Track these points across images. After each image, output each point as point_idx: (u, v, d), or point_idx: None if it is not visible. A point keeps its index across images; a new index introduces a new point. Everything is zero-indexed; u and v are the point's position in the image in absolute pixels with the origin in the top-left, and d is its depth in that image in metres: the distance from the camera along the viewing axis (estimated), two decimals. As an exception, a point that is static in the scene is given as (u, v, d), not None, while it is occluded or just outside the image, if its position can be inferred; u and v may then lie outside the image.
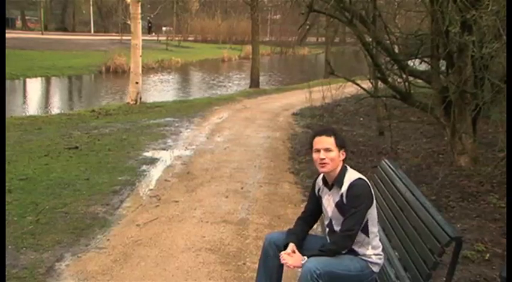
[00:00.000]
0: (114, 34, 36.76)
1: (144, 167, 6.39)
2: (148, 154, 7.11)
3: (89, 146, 7.43)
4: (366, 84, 7.27)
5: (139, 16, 12.99)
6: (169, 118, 10.40)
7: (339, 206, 2.66)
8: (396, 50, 6.82)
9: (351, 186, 2.62)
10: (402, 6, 7.64)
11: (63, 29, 41.23)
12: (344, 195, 2.63)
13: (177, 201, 5.12)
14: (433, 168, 5.97)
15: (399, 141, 7.48)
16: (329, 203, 2.72)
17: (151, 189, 5.54)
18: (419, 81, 6.96)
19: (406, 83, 6.38)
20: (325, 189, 2.76)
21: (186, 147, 7.67)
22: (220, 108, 12.33)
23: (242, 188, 5.61)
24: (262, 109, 12.37)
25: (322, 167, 2.65)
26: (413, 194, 3.10)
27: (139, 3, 12.90)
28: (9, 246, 3.85)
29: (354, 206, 2.59)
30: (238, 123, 10.05)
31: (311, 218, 2.91)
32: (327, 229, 2.80)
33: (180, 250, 3.94)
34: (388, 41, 6.37)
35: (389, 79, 6.60)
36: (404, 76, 6.45)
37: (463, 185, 5.29)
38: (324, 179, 2.77)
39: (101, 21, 44.35)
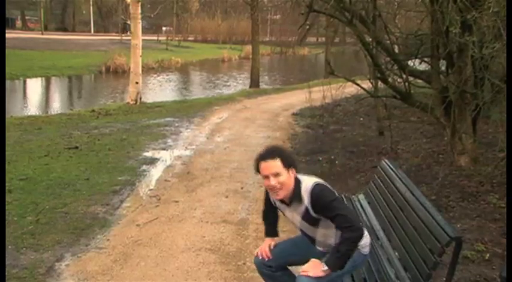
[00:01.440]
0: (114, 34, 36.77)
1: (144, 167, 6.39)
2: (148, 154, 7.11)
3: (89, 146, 7.43)
4: (366, 84, 7.26)
5: (140, 16, 12.99)
6: (169, 118, 10.40)
7: (306, 219, 2.58)
8: (396, 50, 6.82)
9: (313, 197, 2.51)
10: (402, 6, 7.63)
11: (63, 29, 41.23)
12: (310, 209, 2.53)
13: (177, 201, 5.12)
14: (433, 168, 5.97)
15: (399, 141, 7.47)
16: (293, 216, 2.63)
17: (151, 189, 5.55)
18: (419, 81, 6.95)
19: (406, 83, 6.38)
20: (283, 205, 2.66)
21: (186, 147, 7.67)
22: (220, 108, 12.33)
23: (242, 188, 5.61)
24: (262, 109, 12.37)
25: (276, 195, 2.55)
26: (413, 194, 3.10)
27: (139, 3, 12.90)
28: (9, 246, 3.85)
29: (330, 210, 2.49)
30: (238, 123, 10.05)
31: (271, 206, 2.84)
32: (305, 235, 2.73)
33: (180, 250, 3.94)
34: (388, 41, 6.37)
35: (390, 79, 6.59)
36: (404, 76, 6.45)
37: (463, 185, 5.29)
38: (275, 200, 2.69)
39: (101, 21, 44.34)
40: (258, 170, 2.58)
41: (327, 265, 2.47)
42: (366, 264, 3.05)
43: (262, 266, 2.77)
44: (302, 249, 2.73)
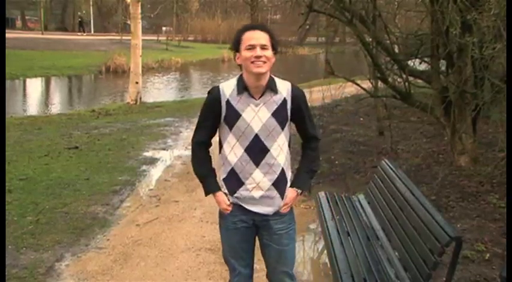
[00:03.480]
0: (114, 34, 36.72)
1: (144, 167, 6.39)
2: (149, 154, 7.11)
3: (89, 146, 7.43)
4: (366, 84, 7.26)
5: (140, 16, 12.99)
6: (169, 118, 10.40)
7: (277, 114, 2.30)
8: (396, 50, 6.82)
9: (294, 92, 2.33)
10: (402, 6, 7.62)
11: (63, 29, 41.19)
12: (288, 99, 2.31)
13: (177, 201, 5.12)
14: (433, 168, 5.96)
15: (399, 141, 7.47)
16: (258, 113, 2.29)
17: (151, 189, 5.55)
18: (419, 81, 6.95)
19: (406, 83, 6.38)
20: (248, 100, 2.29)
21: (186, 147, 7.67)
22: (220, 108, 12.31)
23: (242, 188, 5.60)
24: (262, 109, 12.34)
25: (259, 66, 2.20)
26: (413, 194, 3.11)
27: (139, 3, 12.90)
28: (9, 246, 3.85)
29: (305, 109, 2.38)
30: (238, 123, 10.03)
31: (209, 146, 2.50)
32: (245, 150, 2.33)
33: (180, 250, 3.94)
34: (388, 41, 6.36)
35: (390, 79, 6.59)
36: (404, 76, 6.44)
37: (463, 185, 5.29)
38: (241, 86, 2.29)
39: (101, 21, 44.31)
40: (238, 43, 2.25)
41: (301, 189, 2.45)
42: (366, 264, 3.06)
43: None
44: (248, 235, 2.47)
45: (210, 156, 2.49)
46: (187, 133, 8.82)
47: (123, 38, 29.14)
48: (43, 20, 36.83)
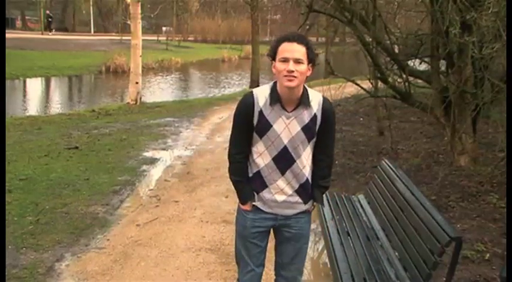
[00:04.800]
0: (114, 34, 36.72)
1: (144, 167, 6.39)
2: (148, 154, 7.11)
3: (89, 146, 7.43)
4: (366, 84, 7.26)
5: (140, 16, 12.98)
6: (169, 118, 10.40)
7: (307, 128, 2.31)
8: (396, 50, 6.82)
9: (325, 107, 2.33)
10: (402, 6, 7.62)
11: (63, 29, 41.18)
12: (319, 115, 2.32)
13: (177, 201, 5.12)
14: (433, 168, 5.97)
15: (399, 141, 7.47)
16: (289, 126, 2.29)
17: (151, 189, 5.55)
18: (419, 81, 6.96)
19: (406, 83, 6.38)
20: (281, 112, 2.29)
21: (186, 147, 7.67)
22: (220, 108, 12.32)
23: (242, 188, 5.60)
24: (262, 109, 12.34)
25: (290, 80, 2.19)
26: (413, 194, 3.11)
27: (139, 3, 12.89)
28: (9, 246, 3.85)
29: (332, 128, 2.38)
30: (238, 123, 10.03)
31: (247, 160, 2.42)
32: (272, 158, 2.34)
33: (180, 250, 3.94)
34: (388, 41, 6.37)
35: (389, 79, 6.59)
36: (404, 76, 6.45)
37: (463, 185, 5.29)
38: (275, 98, 2.29)
39: (101, 21, 44.32)
40: (274, 53, 2.25)
41: (316, 202, 2.50)
42: (366, 264, 3.06)
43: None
44: (264, 235, 2.50)
45: (247, 166, 2.44)
46: (187, 133, 8.83)
47: (123, 38, 29.12)
48: (43, 20, 36.80)
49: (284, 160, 2.34)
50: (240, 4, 36.23)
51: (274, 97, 2.29)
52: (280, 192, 2.39)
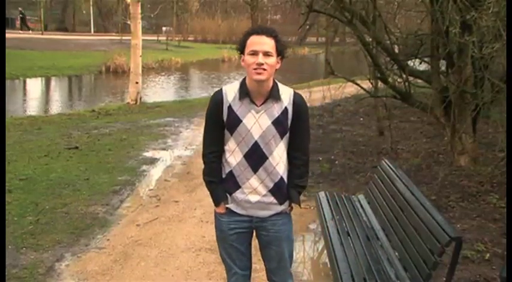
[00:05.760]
0: (114, 34, 36.71)
1: (144, 167, 6.39)
2: (148, 154, 7.11)
3: (89, 146, 7.43)
4: (366, 84, 7.26)
5: (140, 16, 12.98)
6: (170, 118, 10.40)
7: (277, 122, 2.27)
8: (396, 50, 6.82)
9: (296, 101, 2.30)
10: (402, 6, 7.62)
11: (63, 29, 41.17)
12: (290, 108, 2.29)
13: (177, 201, 5.12)
14: (433, 168, 5.97)
15: (399, 141, 7.47)
16: (259, 120, 2.26)
17: (151, 189, 5.55)
18: (419, 81, 6.96)
19: (406, 83, 6.38)
20: (250, 106, 2.27)
21: (186, 147, 7.67)
22: (220, 108, 12.31)
23: (242, 188, 5.60)
24: (262, 109, 12.33)
25: (259, 73, 2.17)
26: (413, 194, 3.11)
27: (139, 3, 12.89)
28: (9, 246, 3.85)
29: (305, 121, 2.33)
30: (238, 123, 10.02)
31: (220, 160, 2.37)
32: (244, 156, 2.29)
33: (180, 250, 3.94)
34: (388, 41, 6.37)
35: (390, 79, 6.59)
36: (404, 76, 6.45)
37: (463, 185, 5.29)
38: (244, 92, 2.27)
39: (101, 21, 44.31)
40: (243, 47, 2.23)
41: (296, 203, 2.44)
42: (366, 264, 3.06)
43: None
44: (242, 237, 2.46)
45: (221, 167, 2.39)
46: (187, 133, 8.83)
47: (123, 38, 29.10)
48: (43, 20, 36.80)
49: (256, 157, 2.29)
50: (240, 4, 36.28)
51: (243, 91, 2.27)
52: (254, 192, 2.33)
